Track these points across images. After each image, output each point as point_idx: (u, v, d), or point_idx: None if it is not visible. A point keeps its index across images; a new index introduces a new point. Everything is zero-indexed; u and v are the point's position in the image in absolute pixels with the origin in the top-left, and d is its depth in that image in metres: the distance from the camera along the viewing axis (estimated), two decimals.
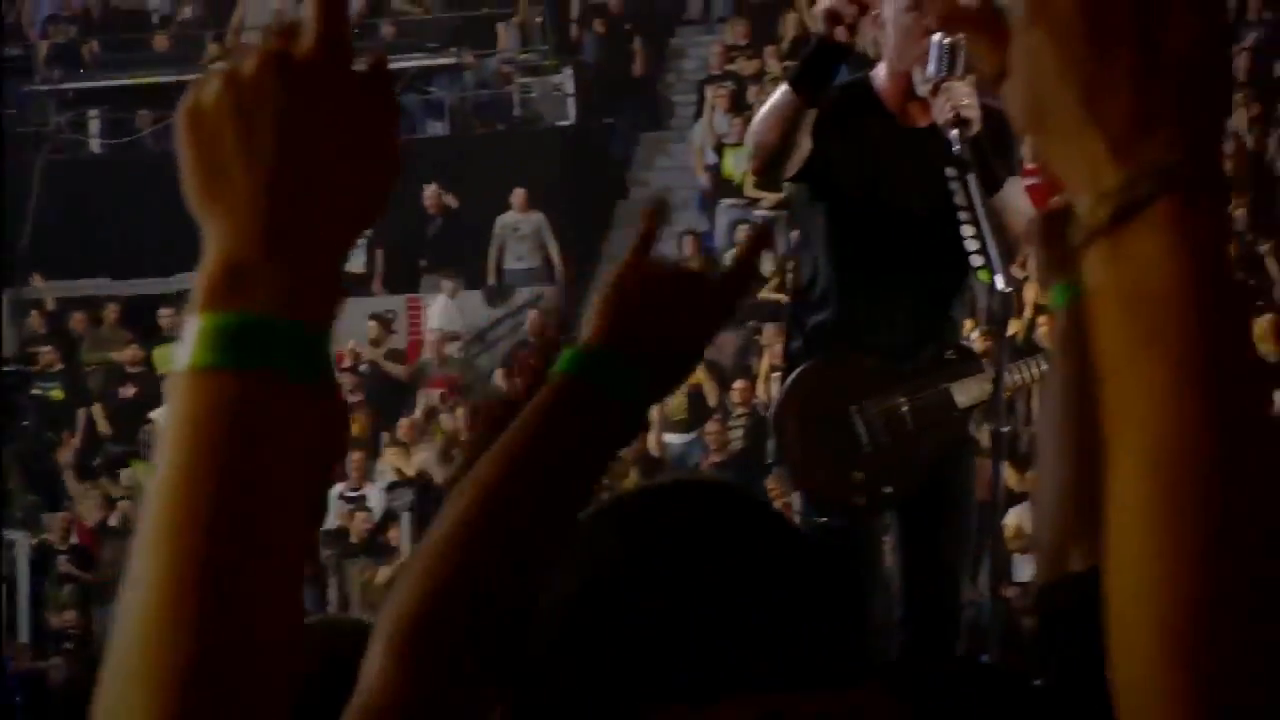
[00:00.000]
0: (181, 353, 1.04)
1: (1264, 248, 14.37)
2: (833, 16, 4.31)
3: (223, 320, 1.03)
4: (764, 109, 4.55)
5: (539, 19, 19.08)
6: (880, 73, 4.73)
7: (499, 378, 15.97)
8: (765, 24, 18.47)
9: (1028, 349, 11.85)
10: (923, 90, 4.44)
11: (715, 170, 17.59)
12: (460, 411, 15.03)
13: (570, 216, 17.36)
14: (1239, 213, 14.23)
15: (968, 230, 4.32)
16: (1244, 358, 0.93)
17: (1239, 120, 15.23)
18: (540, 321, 16.21)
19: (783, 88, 4.49)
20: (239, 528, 0.99)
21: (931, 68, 4.37)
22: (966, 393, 4.68)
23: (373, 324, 16.46)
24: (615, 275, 1.63)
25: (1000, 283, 4.21)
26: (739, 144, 17.41)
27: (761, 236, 1.44)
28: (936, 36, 4.40)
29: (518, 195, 17.28)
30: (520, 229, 17.44)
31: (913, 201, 4.58)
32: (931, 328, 4.72)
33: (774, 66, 17.99)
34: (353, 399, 15.63)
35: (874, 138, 4.63)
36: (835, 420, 4.66)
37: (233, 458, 1.00)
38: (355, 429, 15.39)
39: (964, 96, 4.33)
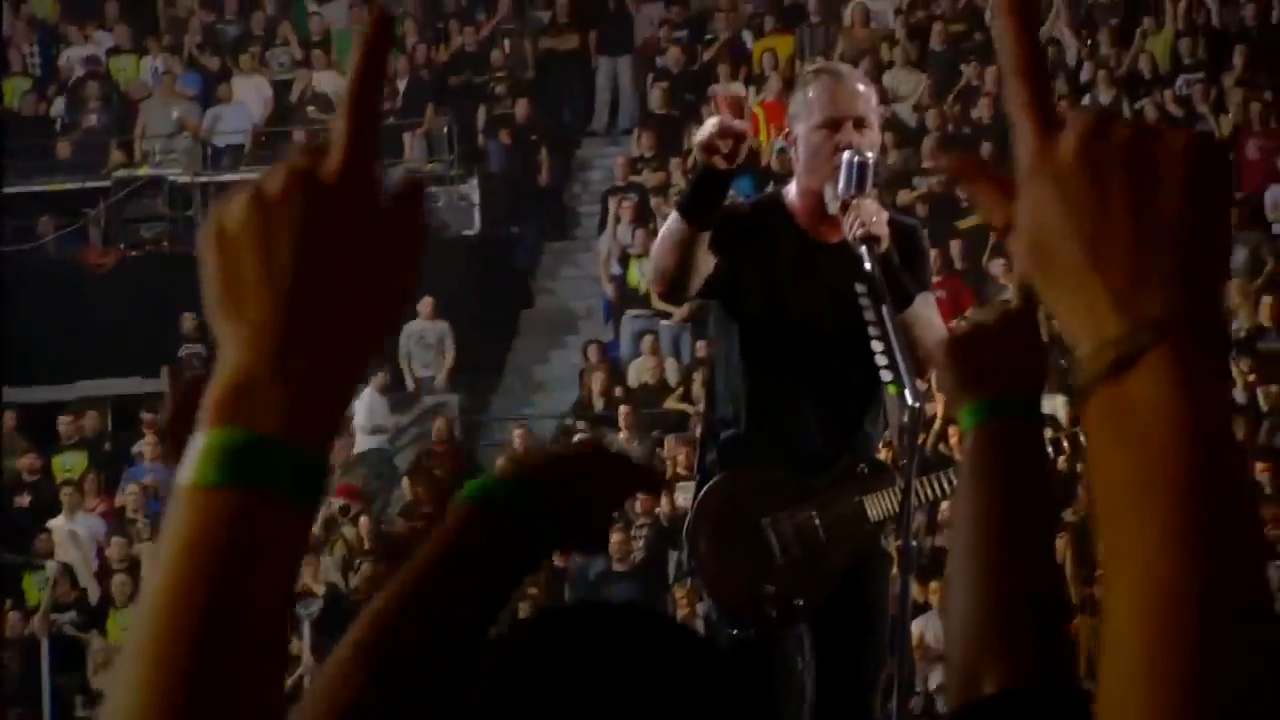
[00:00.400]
0: (186, 465, 1.04)
1: None
2: (709, 148, 4.32)
3: (226, 438, 1.03)
4: (661, 233, 4.58)
5: (445, 129, 19.16)
6: (792, 189, 4.78)
7: (405, 485, 15.90)
8: (670, 136, 18.63)
9: (936, 461, 11.94)
10: (833, 207, 4.49)
11: (620, 281, 17.66)
12: (363, 520, 14.93)
13: (476, 325, 17.37)
14: None
15: (877, 345, 4.36)
16: (1240, 501, 0.95)
17: None
18: (445, 429, 16.16)
19: (672, 217, 4.52)
20: (226, 643, 1.00)
21: (841, 185, 4.43)
22: (878, 506, 4.70)
23: None
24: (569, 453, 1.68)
25: (909, 398, 4.24)
26: (644, 254, 17.50)
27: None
28: (846, 154, 4.47)
29: (424, 304, 17.28)
30: (426, 337, 17.43)
31: (824, 317, 4.62)
32: (844, 441, 4.74)
33: (679, 178, 18.14)
34: None
35: (786, 254, 4.67)
36: (748, 533, 4.68)
37: (225, 574, 1.01)
38: None
39: (873, 213, 4.39)
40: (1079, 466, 13.84)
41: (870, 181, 4.43)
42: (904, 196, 17.64)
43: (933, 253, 17.74)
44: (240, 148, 19.32)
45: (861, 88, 4.68)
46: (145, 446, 16.24)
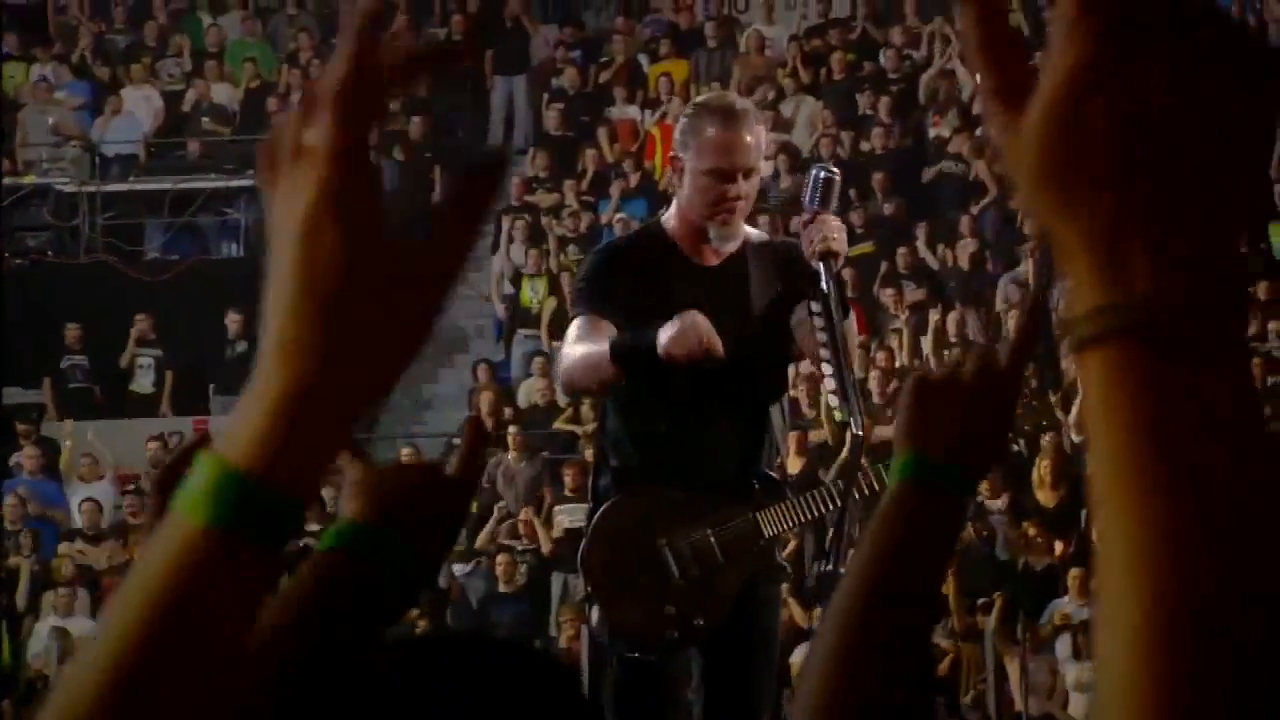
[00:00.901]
0: (182, 487, 1.04)
1: None
2: (684, 355, 4.42)
3: (209, 467, 1.02)
4: (583, 358, 4.60)
5: None
6: (671, 215, 4.81)
7: None
8: (565, 157, 18.64)
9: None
10: (723, 246, 4.64)
11: (512, 300, 17.63)
12: None
13: None
14: None
15: (827, 369, 4.41)
16: (1237, 480, 0.89)
17: None
18: None
19: (603, 348, 4.53)
20: (164, 667, 1.00)
21: (806, 199, 4.47)
22: (772, 522, 4.74)
23: (153, 445, 16.17)
24: (389, 470, 1.65)
25: (855, 426, 4.30)
26: (537, 274, 17.50)
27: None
28: (814, 170, 4.53)
29: None
30: None
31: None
32: (735, 460, 4.76)
33: (572, 199, 18.15)
34: (135, 521, 15.32)
35: (672, 280, 4.71)
36: (645, 554, 4.69)
37: (178, 601, 1.00)
38: (135, 553, 15.03)
39: (835, 230, 4.44)
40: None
41: (835, 197, 4.47)
42: (797, 223, 17.71)
43: None
44: (131, 158, 19.12)
45: (750, 138, 4.68)
46: (24, 459, 16.02)
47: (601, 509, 4.73)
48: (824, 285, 4.40)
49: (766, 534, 4.73)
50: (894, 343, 16.00)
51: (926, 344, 15.74)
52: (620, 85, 19.40)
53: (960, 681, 12.98)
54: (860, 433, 4.31)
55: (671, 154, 4.76)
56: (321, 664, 1.50)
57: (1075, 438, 14.44)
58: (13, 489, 15.53)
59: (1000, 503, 13.95)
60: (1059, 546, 13.34)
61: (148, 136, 19.34)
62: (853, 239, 17.40)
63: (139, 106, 19.43)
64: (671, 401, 4.67)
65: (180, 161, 19.02)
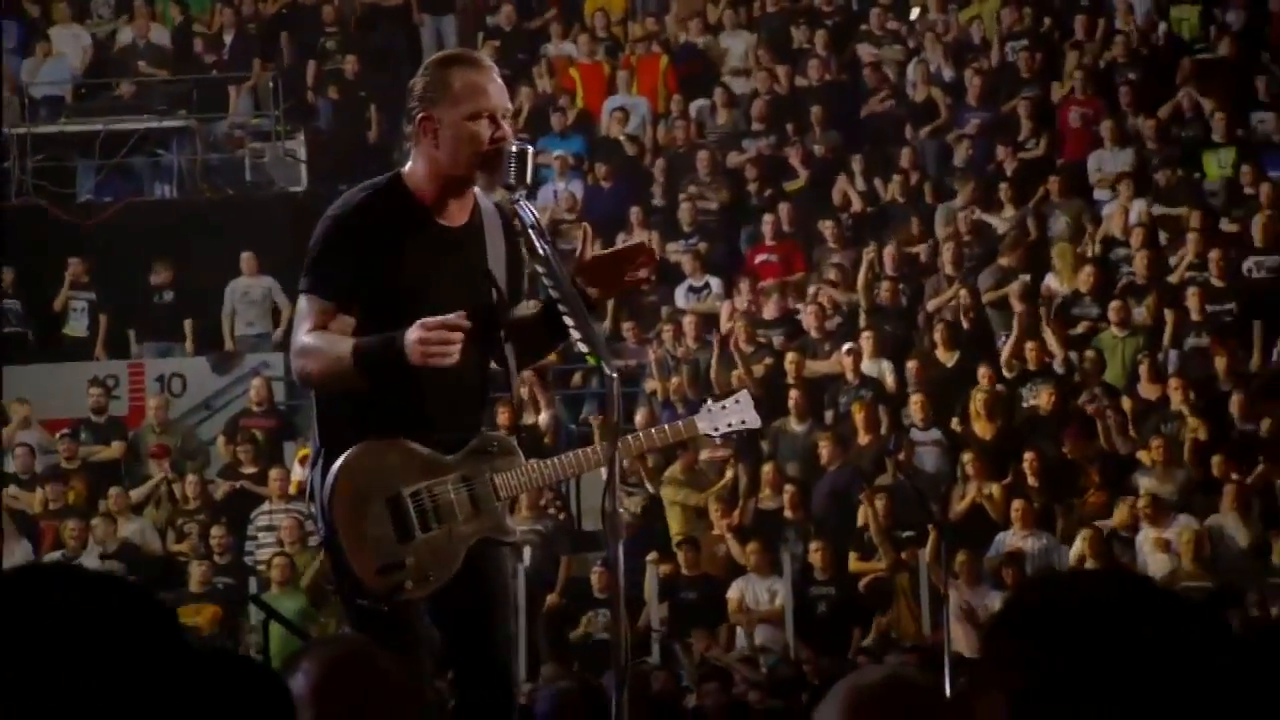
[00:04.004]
0: None
1: None
2: (424, 353, 4.47)
3: None
4: (317, 354, 4.60)
5: (272, 84, 18.89)
6: (416, 172, 4.77)
7: (220, 446, 15.70)
8: None
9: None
10: (492, 196, 4.69)
11: None
12: (190, 479, 14.73)
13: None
14: None
15: (569, 320, 4.49)
16: None
17: None
18: (263, 390, 15.97)
19: (343, 351, 4.55)
20: None
21: (503, 174, 4.60)
22: (507, 483, 4.81)
23: (94, 390, 16.09)
24: None
25: (607, 368, 4.35)
26: None
27: None
28: (508, 145, 4.62)
29: (247, 260, 17.06)
30: (251, 294, 17.21)
31: (452, 298, 4.66)
32: (474, 419, 4.84)
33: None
34: (70, 466, 15.25)
35: (414, 238, 4.72)
36: (386, 505, 4.72)
37: None
38: (72, 497, 14.99)
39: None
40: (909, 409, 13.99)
41: (530, 170, 4.59)
42: (733, 159, 17.71)
43: (766, 218, 17.84)
44: (59, 99, 18.93)
45: (500, 82, 4.79)
46: None
47: (343, 458, 4.70)
48: (539, 248, 4.51)
49: (502, 495, 4.81)
50: (833, 275, 16.01)
51: (860, 278, 15.75)
52: (556, 22, 19.30)
53: (894, 614, 13.05)
54: (614, 374, 4.34)
55: (419, 116, 4.69)
56: None
57: (1008, 373, 14.50)
58: None
59: (934, 434, 14.00)
60: (996, 479, 13.40)
61: (77, 77, 19.14)
62: (790, 173, 17.48)
63: (68, 45, 19.22)
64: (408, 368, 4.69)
65: (112, 103, 18.83)
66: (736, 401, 5.15)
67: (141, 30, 19.35)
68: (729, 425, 5.10)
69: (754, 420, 5.16)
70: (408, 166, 4.79)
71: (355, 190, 4.77)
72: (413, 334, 4.48)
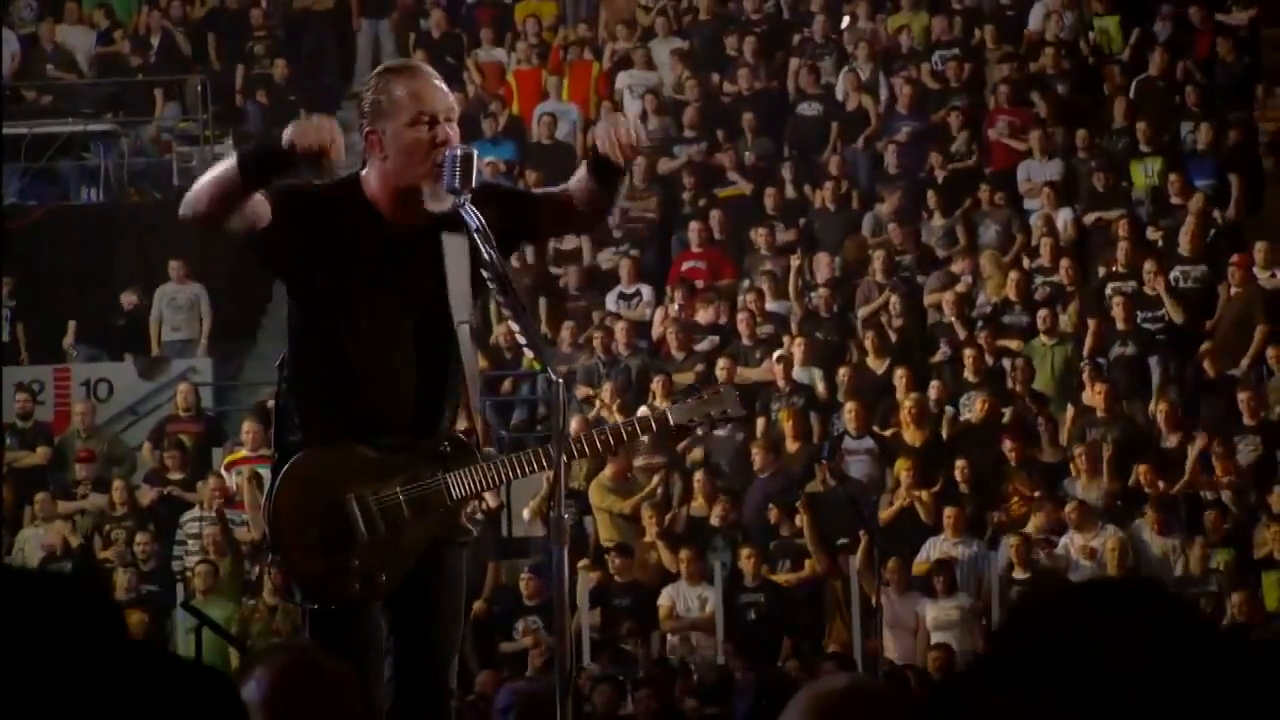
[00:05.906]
0: None
1: None
2: (303, 151, 4.53)
3: None
4: (210, 178, 4.63)
5: (200, 88, 18.75)
6: (371, 179, 4.80)
7: (146, 452, 15.56)
8: None
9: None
10: (435, 205, 4.65)
11: None
12: (117, 485, 14.59)
13: (228, 289, 17.02)
14: None
15: (515, 326, 4.58)
16: None
17: None
18: (189, 395, 15.83)
19: (230, 163, 4.57)
20: None
21: (446, 180, 4.60)
22: (460, 484, 4.81)
23: (21, 395, 15.92)
24: None
25: (551, 374, 4.39)
26: None
27: None
28: (449, 150, 4.63)
29: (175, 266, 16.93)
30: (178, 299, 17.08)
31: (403, 301, 4.71)
32: (425, 421, 4.81)
33: None
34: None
35: (366, 238, 4.74)
36: (332, 509, 4.73)
37: None
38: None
39: (622, 123, 4.66)
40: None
41: (474, 174, 4.60)
42: (664, 165, 17.69)
43: (694, 225, 17.81)
44: None
45: (443, 85, 4.81)
46: None
47: (289, 462, 4.74)
48: (485, 252, 4.53)
49: (455, 495, 4.80)
50: (763, 284, 16.01)
51: (791, 285, 15.78)
52: (487, 26, 19.25)
53: (824, 621, 13.07)
54: (558, 379, 4.38)
55: (365, 131, 4.76)
56: None
57: (939, 382, 14.54)
58: None
59: (866, 442, 14.02)
60: (926, 486, 13.44)
61: (5, 79, 18.94)
62: (722, 181, 17.49)
63: None
64: (359, 362, 4.70)
65: (36, 105, 18.64)
66: (718, 393, 5.15)
67: (67, 33, 19.17)
68: (709, 416, 5.08)
69: (738, 410, 5.17)
70: (364, 171, 4.83)
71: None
72: (294, 125, 4.53)
